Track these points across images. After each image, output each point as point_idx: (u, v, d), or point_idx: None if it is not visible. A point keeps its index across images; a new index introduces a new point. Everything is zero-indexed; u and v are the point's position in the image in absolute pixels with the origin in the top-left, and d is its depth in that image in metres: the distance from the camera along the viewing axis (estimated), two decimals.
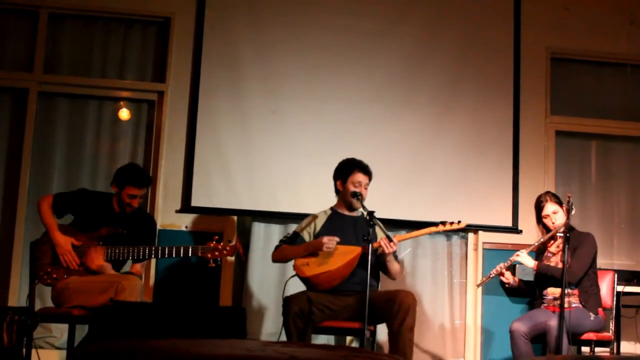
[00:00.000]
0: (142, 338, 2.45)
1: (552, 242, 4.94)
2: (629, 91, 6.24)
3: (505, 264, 4.93)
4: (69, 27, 5.83)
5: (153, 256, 4.60)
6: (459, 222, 4.71)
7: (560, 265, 4.58)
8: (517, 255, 4.88)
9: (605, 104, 6.23)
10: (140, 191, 4.65)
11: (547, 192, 5.00)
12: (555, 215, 4.85)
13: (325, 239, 4.52)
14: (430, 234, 4.90)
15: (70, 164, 5.69)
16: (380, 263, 4.67)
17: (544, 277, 4.83)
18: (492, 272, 4.96)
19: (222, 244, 4.53)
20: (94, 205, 4.66)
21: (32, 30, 5.72)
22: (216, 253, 4.51)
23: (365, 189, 4.70)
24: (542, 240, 4.96)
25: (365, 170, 4.71)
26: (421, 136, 5.80)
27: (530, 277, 5.15)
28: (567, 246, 4.40)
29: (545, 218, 4.89)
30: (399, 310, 4.38)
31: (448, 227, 4.69)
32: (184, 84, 5.69)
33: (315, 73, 5.75)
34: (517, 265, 5.19)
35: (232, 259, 5.56)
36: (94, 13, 5.80)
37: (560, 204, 4.90)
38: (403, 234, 5.63)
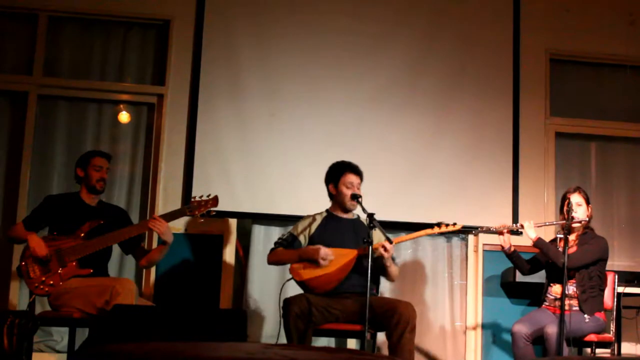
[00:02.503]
0: (143, 341, 2.45)
1: (563, 237, 4.87)
2: (628, 92, 6.24)
3: (510, 226, 4.88)
4: (69, 30, 5.84)
5: (154, 229, 4.57)
6: (454, 224, 4.71)
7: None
8: (524, 223, 4.83)
9: (605, 105, 6.23)
10: (104, 162, 4.72)
11: (577, 187, 4.93)
12: (579, 207, 4.78)
13: (322, 254, 4.51)
14: (427, 235, 4.88)
15: (70, 167, 5.64)
16: (379, 266, 4.66)
17: (541, 256, 4.84)
18: (493, 227, 4.87)
19: (203, 198, 4.64)
20: (64, 206, 4.66)
21: (31, 33, 5.72)
22: (202, 209, 4.62)
23: (358, 189, 4.69)
24: (552, 223, 4.98)
25: (356, 171, 4.71)
26: (421, 138, 5.80)
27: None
28: (561, 237, 4.39)
29: (565, 207, 4.79)
30: (399, 323, 4.37)
31: (444, 229, 4.68)
32: (184, 87, 5.70)
33: (315, 75, 5.76)
34: None
35: (232, 261, 5.56)
36: (93, 16, 5.80)
37: (587, 200, 4.87)
38: (402, 236, 5.66)
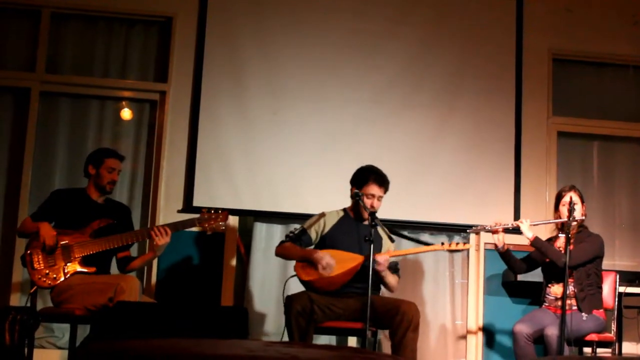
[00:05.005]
0: (144, 338, 2.45)
1: (560, 237, 4.87)
2: (630, 92, 6.24)
3: (505, 225, 4.80)
4: (71, 27, 5.84)
5: (154, 237, 4.54)
6: (464, 243, 4.66)
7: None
8: (521, 222, 4.78)
9: (607, 104, 6.23)
10: (118, 163, 4.72)
11: (572, 185, 4.91)
12: (575, 206, 4.71)
13: (324, 263, 4.49)
14: (434, 250, 4.85)
15: (72, 163, 5.69)
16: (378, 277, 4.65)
17: (537, 255, 4.83)
18: (488, 225, 4.79)
19: (213, 212, 4.63)
20: (71, 202, 4.66)
21: (34, 29, 5.72)
22: (212, 223, 4.62)
23: (379, 200, 4.62)
24: (550, 221, 4.94)
25: (381, 182, 4.62)
26: (423, 137, 5.80)
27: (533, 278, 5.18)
28: (559, 236, 4.39)
29: (563, 206, 4.77)
30: (402, 322, 4.37)
31: (453, 247, 4.64)
32: (186, 84, 5.70)
33: (317, 74, 5.76)
34: None
35: (234, 259, 5.57)
36: (96, 13, 5.80)
37: (582, 199, 4.86)
38: (405, 242, 5.65)
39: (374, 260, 4.34)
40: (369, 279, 4.14)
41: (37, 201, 5.08)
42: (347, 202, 4.81)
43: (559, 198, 4.87)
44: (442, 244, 4.65)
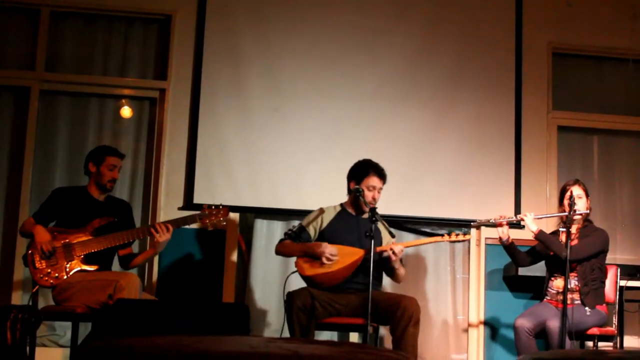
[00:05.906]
0: (146, 335, 2.45)
1: (564, 231, 4.86)
2: (630, 86, 6.23)
3: (509, 219, 4.82)
4: (71, 25, 5.84)
5: (155, 234, 4.56)
6: (465, 233, 4.67)
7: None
8: (525, 215, 4.81)
9: (607, 99, 6.22)
10: (119, 161, 4.74)
11: (577, 179, 4.92)
12: (579, 200, 4.74)
13: (327, 254, 4.50)
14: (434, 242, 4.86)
15: (73, 162, 5.69)
16: (386, 267, 4.66)
17: (542, 248, 4.82)
18: (493, 218, 4.81)
19: (214, 208, 4.67)
20: (72, 200, 4.66)
21: (33, 28, 5.72)
22: (212, 218, 4.66)
23: (379, 192, 4.65)
24: (553, 215, 4.94)
25: (381, 174, 4.65)
26: (423, 132, 5.80)
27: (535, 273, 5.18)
28: (563, 230, 4.40)
29: (567, 199, 4.74)
30: (402, 317, 4.38)
31: (454, 238, 4.65)
32: (186, 82, 5.70)
33: (317, 70, 5.75)
34: None
35: (234, 256, 5.57)
36: (95, 11, 5.80)
37: (586, 193, 4.85)
38: (406, 234, 5.65)
39: (378, 254, 4.36)
40: (370, 275, 4.15)
41: (38, 200, 5.08)
42: (346, 198, 4.81)
43: (563, 192, 4.87)
44: (443, 235, 4.66)
